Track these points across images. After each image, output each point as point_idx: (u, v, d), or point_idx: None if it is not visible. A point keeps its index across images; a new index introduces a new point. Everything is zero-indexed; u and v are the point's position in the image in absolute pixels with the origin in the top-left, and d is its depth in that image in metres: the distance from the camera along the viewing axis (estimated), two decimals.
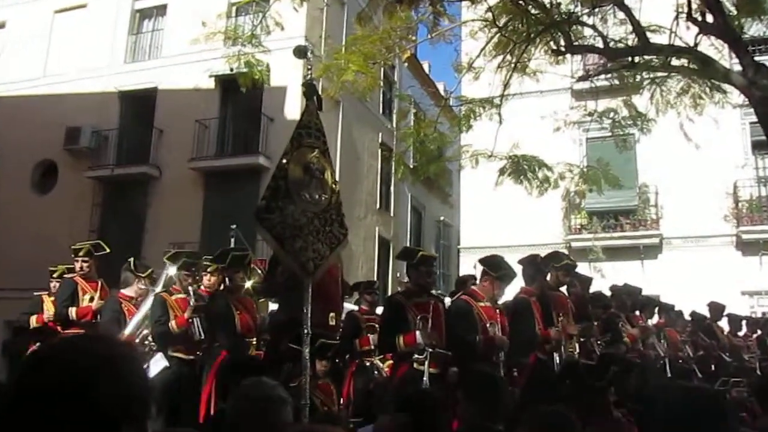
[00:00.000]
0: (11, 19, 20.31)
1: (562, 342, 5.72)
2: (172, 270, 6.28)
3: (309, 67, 4.40)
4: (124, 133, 18.36)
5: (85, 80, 18.34)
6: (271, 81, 10.71)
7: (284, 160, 3.98)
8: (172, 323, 5.97)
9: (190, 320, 5.99)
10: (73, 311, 6.68)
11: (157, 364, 5.76)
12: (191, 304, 6.04)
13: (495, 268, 5.50)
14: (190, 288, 6.15)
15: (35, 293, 7.92)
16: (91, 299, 6.79)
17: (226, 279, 6.19)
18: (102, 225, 17.55)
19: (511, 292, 5.92)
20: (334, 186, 4.19)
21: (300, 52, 4.45)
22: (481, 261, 5.71)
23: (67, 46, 19.02)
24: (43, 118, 17.95)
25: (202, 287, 6.73)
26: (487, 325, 5.29)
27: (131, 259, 7.06)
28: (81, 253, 6.95)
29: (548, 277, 6.17)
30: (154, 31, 19.16)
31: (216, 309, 5.83)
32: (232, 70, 8.01)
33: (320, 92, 4.57)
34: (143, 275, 6.74)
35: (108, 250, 7.26)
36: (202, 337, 6.00)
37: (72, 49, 18.82)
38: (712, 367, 8.18)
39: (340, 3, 17.62)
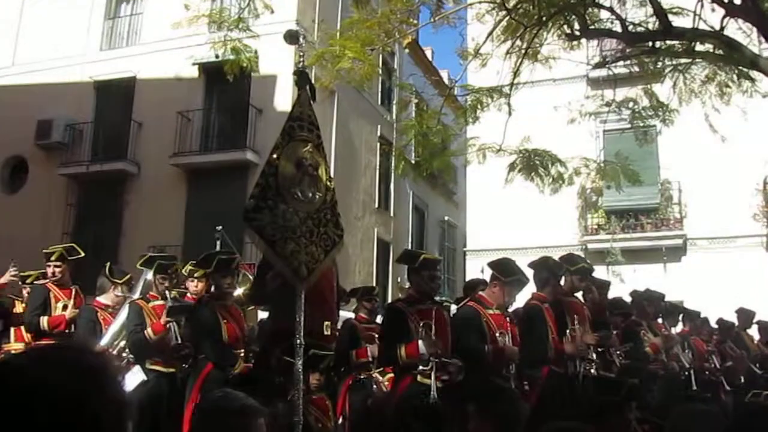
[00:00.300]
0: None
1: (579, 355, 5.70)
2: (149, 275, 6.28)
3: (301, 53, 4.38)
4: (99, 126, 18.36)
5: (58, 69, 18.32)
6: (259, 69, 10.74)
7: (274, 155, 3.98)
8: (149, 330, 5.97)
9: (167, 325, 5.98)
10: (44, 320, 6.65)
11: (133, 378, 5.75)
12: (167, 307, 6.04)
13: (505, 272, 5.48)
14: (167, 293, 6.14)
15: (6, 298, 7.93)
16: (65, 307, 6.76)
17: (212, 286, 6.19)
18: (76, 226, 17.58)
19: (522, 298, 5.92)
20: (328, 183, 4.18)
21: (291, 37, 4.45)
22: (491, 265, 5.69)
23: (38, 32, 18.99)
24: (12, 110, 17.94)
25: (188, 294, 6.73)
26: (497, 334, 5.26)
27: (108, 264, 7.05)
28: (53, 258, 6.91)
29: (562, 282, 6.15)
30: (133, 15, 19.17)
31: (201, 318, 5.81)
32: (217, 57, 8.03)
33: (313, 81, 4.57)
34: (120, 281, 6.73)
35: (82, 254, 7.25)
36: (179, 342, 5.99)
37: (43, 36, 18.79)
38: (741, 379, 8.18)
39: None
